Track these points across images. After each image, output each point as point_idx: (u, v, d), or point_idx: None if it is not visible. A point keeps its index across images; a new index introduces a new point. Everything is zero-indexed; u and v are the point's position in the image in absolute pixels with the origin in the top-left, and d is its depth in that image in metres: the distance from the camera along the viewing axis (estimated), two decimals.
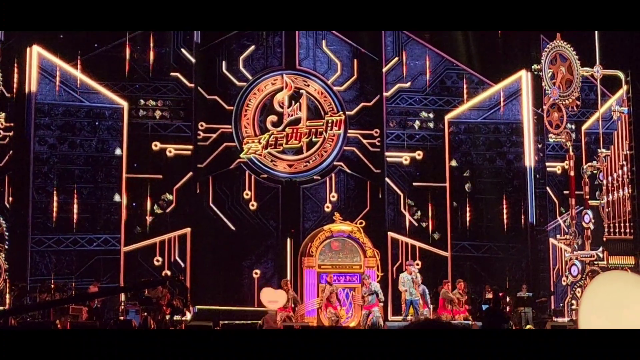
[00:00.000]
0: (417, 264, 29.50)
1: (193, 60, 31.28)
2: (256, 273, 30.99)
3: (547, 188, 32.94)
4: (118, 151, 30.36)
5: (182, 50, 31.31)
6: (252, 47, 31.91)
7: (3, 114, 29.18)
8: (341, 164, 31.97)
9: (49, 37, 29.63)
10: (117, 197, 30.22)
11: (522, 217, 32.48)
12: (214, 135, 31.38)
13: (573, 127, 32.01)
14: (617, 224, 29.46)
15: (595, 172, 30.23)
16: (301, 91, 31.92)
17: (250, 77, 31.74)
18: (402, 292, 27.85)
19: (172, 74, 31.12)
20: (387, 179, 32.08)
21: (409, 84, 32.63)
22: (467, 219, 32.34)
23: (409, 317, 27.18)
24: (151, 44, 31.04)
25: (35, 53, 29.65)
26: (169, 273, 29.97)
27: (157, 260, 30.17)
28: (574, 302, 29.56)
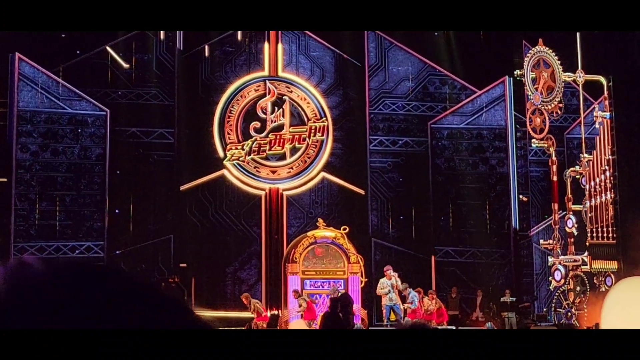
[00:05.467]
0: (395, 274, 29.01)
1: (175, 66, 31.23)
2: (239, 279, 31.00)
3: (530, 193, 33.01)
4: (100, 158, 30.27)
5: (165, 56, 31.26)
6: (235, 53, 31.89)
7: None
8: (325, 168, 31.95)
9: (30, 44, 29.54)
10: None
11: (506, 222, 32.55)
12: (197, 142, 31.33)
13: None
14: (599, 229, 29.55)
15: (577, 177, 30.33)
16: (284, 97, 31.91)
17: (232, 84, 31.69)
18: (382, 297, 27.89)
19: (154, 80, 31.06)
20: (370, 185, 32.09)
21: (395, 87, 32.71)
22: (450, 224, 32.41)
23: (386, 322, 27.20)
24: (133, 51, 31.01)
25: (17, 60, 29.55)
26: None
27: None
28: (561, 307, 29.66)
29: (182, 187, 30.92)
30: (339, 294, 24.71)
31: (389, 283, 27.75)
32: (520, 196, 32.74)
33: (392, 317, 27.47)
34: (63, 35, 29.77)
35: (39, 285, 1.37)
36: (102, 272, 1.45)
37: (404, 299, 27.97)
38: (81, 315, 1.33)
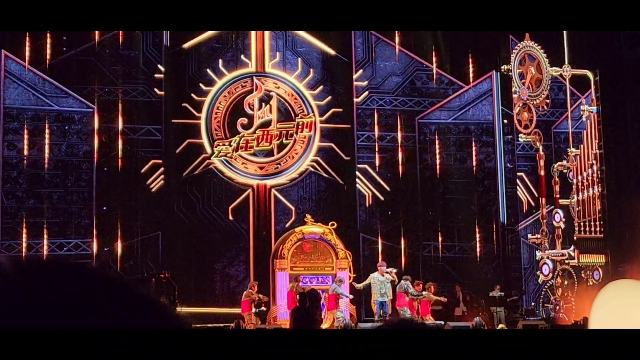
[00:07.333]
0: (393, 270, 29.06)
1: (163, 62, 31.16)
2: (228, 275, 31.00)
3: (518, 188, 33.08)
4: (88, 155, 30.20)
5: (151, 53, 31.18)
6: (222, 50, 31.84)
7: None
8: (313, 164, 31.90)
9: (16, 41, 29.48)
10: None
11: (493, 217, 32.61)
12: (184, 138, 31.25)
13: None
14: (587, 223, 29.64)
15: (565, 171, 30.42)
16: (271, 93, 31.87)
17: (220, 80, 31.63)
18: (372, 293, 27.89)
19: (141, 77, 30.98)
20: (358, 180, 32.09)
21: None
22: (439, 219, 32.46)
23: (377, 318, 27.22)
24: (120, 47, 30.92)
25: (3, 57, 29.45)
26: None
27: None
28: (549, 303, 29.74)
29: (169, 184, 30.83)
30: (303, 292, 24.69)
31: (381, 279, 27.73)
32: (508, 191, 32.82)
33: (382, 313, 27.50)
34: (65, 38, 29.79)
35: (10, 285, 1.36)
36: (75, 271, 1.44)
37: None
38: (54, 315, 1.33)
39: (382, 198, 32.24)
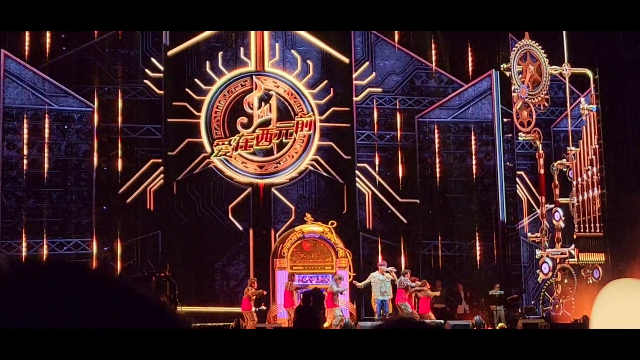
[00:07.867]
0: (393, 269, 29.01)
1: (162, 62, 31.14)
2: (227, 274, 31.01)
3: (518, 186, 33.07)
4: (87, 155, 30.19)
5: (151, 52, 31.16)
6: (222, 49, 31.82)
7: None
8: (313, 163, 31.89)
9: (16, 41, 29.48)
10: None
11: (493, 215, 32.60)
12: (184, 138, 31.24)
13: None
14: (587, 221, 29.63)
15: (564, 169, 30.41)
16: (271, 92, 31.86)
17: (219, 79, 31.63)
18: (372, 292, 27.87)
19: (140, 76, 30.97)
20: (357, 179, 32.09)
21: (380, 89, 32.61)
22: (438, 218, 32.45)
23: (377, 316, 27.22)
24: (119, 46, 30.91)
25: (2, 57, 29.43)
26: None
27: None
28: (548, 297, 29.74)
29: (169, 183, 30.83)
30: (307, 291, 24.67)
31: (381, 278, 27.72)
32: (507, 189, 32.82)
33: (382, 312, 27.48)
34: (63, 36, 29.80)
35: (10, 285, 1.36)
36: (75, 270, 1.44)
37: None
38: (53, 315, 1.33)
39: (381, 197, 32.23)
